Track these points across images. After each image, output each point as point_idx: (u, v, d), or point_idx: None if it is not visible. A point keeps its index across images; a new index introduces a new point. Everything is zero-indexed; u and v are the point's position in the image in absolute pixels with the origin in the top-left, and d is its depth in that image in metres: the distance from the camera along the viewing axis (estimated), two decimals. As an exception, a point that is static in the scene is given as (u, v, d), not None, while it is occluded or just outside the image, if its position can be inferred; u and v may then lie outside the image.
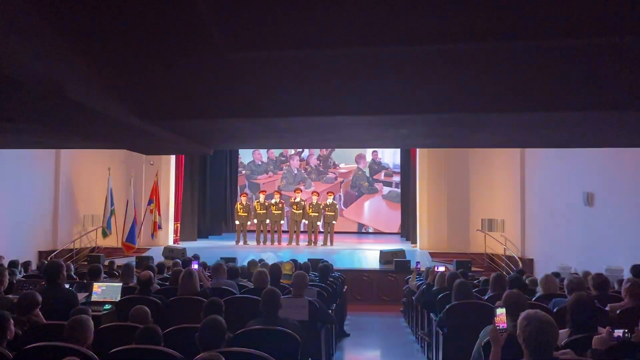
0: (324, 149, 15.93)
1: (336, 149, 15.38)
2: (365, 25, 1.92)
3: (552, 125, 3.50)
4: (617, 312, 3.94)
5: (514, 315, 2.68)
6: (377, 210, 15.98)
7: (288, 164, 16.38)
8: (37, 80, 2.04)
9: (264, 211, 12.78)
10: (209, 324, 2.83)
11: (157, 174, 12.40)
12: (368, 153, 16.06)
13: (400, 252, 10.60)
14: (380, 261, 10.56)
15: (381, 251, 10.71)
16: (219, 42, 2.02)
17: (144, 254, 10.51)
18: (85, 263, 10.19)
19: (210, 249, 11.76)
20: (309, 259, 8.18)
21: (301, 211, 12.72)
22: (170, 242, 12.73)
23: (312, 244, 12.67)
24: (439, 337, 4.81)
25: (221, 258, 7.54)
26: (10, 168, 10.30)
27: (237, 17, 1.88)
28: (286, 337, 3.24)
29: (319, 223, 12.86)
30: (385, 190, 15.99)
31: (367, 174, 16.08)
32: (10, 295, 4.54)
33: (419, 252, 11.95)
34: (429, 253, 11.63)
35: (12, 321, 3.12)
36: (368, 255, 11.47)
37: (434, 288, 5.61)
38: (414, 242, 13.00)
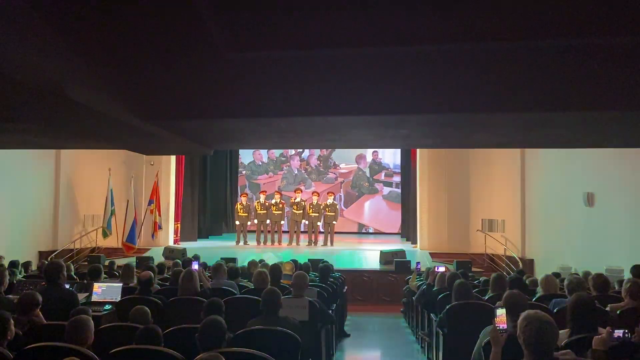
0: (324, 149, 15.93)
1: (336, 149, 15.37)
2: (365, 26, 1.92)
3: (552, 125, 3.50)
4: (618, 312, 3.94)
5: (514, 316, 2.68)
6: (378, 210, 15.97)
7: (288, 164, 16.38)
8: (37, 80, 2.04)
9: (265, 211, 12.78)
10: (209, 324, 2.83)
11: (158, 174, 12.40)
12: (368, 153, 16.06)
13: (401, 253, 10.60)
14: (380, 261, 10.55)
15: (381, 251, 10.70)
16: (219, 42, 2.02)
17: (144, 254, 10.52)
18: (86, 263, 10.19)
19: (210, 249, 11.76)
20: (309, 259, 8.17)
21: (301, 211, 12.72)
22: (171, 243, 12.73)
23: (313, 244, 12.67)
24: (439, 338, 4.81)
25: (221, 258, 7.53)
26: (10, 168, 10.31)
27: (237, 17, 1.88)
28: (286, 338, 3.24)
29: (319, 223, 12.86)
30: (386, 190, 15.99)
31: (368, 174, 16.07)
32: (10, 296, 4.54)
33: (419, 252, 11.95)
34: (429, 253, 11.63)
35: (12, 321, 3.11)
36: (368, 256, 11.47)
37: (434, 288, 5.60)
38: (414, 242, 13.00)
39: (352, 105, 2.79)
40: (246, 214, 12.87)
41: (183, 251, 10.42)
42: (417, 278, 7.60)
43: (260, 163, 16.47)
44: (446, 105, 2.74)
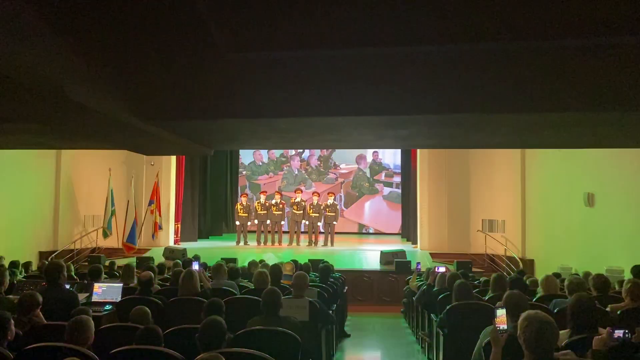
0: (325, 150, 15.93)
1: (337, 150, 15.37)
2: (365, 26, 1.92)
3: (552, 125, 3.50)
4: (618, 312, 3.94)
5: (514, 316, 2.68)
6: (378, 210, 15.97)
7: (289, 164, 16.38)
8: (37, 80, 2.04)
9: (265, 212, 12.79)
10: (209, 325, 2.83)
11: (158, 174, 12.41)
12: (369, 154, 16.06)
13: (401, 253, 10.60)
14: (380, 262, 10.55)
15: (382, 252, 10.70)
16: (219, 42, 2.02)
17: (144, 255, 10.53)
18: (86, 263, 10.19)
19: (210, 249, 11.76)
20: (309, 260, 8.17)
21: (302, 212, 12.72)
22: (171, 243, 12.74)
23: (313, 245, 12.67)
24: (439, 338, 4.81)
25: (222, 258, 7.54)
26: (11, 168, 10.31)
27: (237, 17, 1.88)
28: (287, 338, 3.24)
29: (319, 224, 12.86)
30: (386, 190, 15.98)
31: (368, 175, 16.07)
32: (10, 296, 4.54)
33: (419, 252, 11.95)
34: (430, 254, 11.63)
35: (12, 322, 3.12)
36: (369, 256, 11.47)
37: (435, 289, 5.60)
38: (414, 242, 13.00)
39: (352, 105, 2.79)
40: (246, 214, 12.87)
41: (183, 251, 10.42)
42: (417, 278, 7.59)
43: (260, 163, 16.47)
44: (446, 106, 2.74)
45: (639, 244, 7.14)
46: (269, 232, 12.87)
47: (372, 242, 14.10)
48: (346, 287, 8.23)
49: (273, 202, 12.86)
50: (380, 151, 15.91)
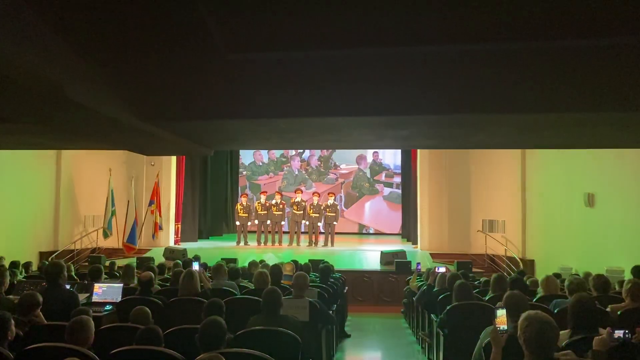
0: (325, 150, 15.93)
1: (337, 150, 15.37)
2: (365, 26, 1.92)
3: (552, 125, 3.50)
4: (618, 313, 3.93)
5: (514, 316, 2.67)
6: (378, 211, 15.97)
7: (289, 164, 16.38)
8: (37, 80, 2.04)
9: (265, 212, 12.79)
10: (209, 325, 2.83)
11: (158, 174, 12.41)
12: (369, 154, 16.05)
13: (401, 253, 10.60)
14: (381, 262, 10.55)
15: (382, 252, 10.70)
16: (219, 42, 2.02)
17: (144, 255, 10.53)
18: (86, 264, 10.20)
19: (210, 249, 11.76)
20: (309, 260, 8.16)
21: (302, 212, 12.72)
22: (171, 243, 12.74)
23: (313, 245, 12.66)
24: (439, 338, 4.81)
25: (222, 259, 7.54)
26: (11, 168, 10.31)
27: (237, 17, 1.88)
28: (287, 338, 3.24)
29: (319, 224, 12.86)
30: (386, 191, 15.98)
31: (368, 175, 16.07)
32: (11, 296, 4.54)
33: (419, 253, 11.95)
34: (430, 254, 11.63)
35: (12, 322, 3.12)
36: (369, 256, 11.47)
37: (435, 289, 5.60)
38: (414, 243, 12.99)
39: (353, 105, 2.79)
40: (246, 215, 12.87)
41: (183, 252, 10.42)
42: (417, 279, 7.59)
43: (260, 163, 16.48)
44: (446, 106, 2.74)
45: (639, 244, 7.14)
46: (269, 232, 12.87)
47: (372, 242, 14.10)
48: (346, 288, 8.23)
49: (273, 202, 12.86)
50: (381, 151, 15.91)
